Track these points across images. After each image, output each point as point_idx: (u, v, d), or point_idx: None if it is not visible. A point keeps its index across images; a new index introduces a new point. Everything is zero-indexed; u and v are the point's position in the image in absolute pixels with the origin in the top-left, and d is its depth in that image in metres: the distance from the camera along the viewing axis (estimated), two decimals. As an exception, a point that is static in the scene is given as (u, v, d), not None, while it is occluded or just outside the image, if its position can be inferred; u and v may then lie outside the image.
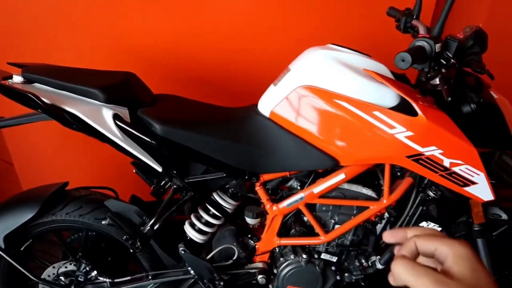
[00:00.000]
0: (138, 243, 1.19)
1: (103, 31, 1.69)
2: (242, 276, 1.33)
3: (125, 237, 1.19)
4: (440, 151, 1.10)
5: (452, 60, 1.02)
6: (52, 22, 1.67)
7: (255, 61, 1.87)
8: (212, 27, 1.76)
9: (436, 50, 0.97)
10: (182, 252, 1.28)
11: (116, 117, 1.10)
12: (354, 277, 1.36)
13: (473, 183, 1.14)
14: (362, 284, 1.39)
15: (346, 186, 1.27)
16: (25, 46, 1.69)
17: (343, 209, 1.30)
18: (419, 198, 1.25)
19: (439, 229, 1.26)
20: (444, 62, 1.03)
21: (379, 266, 1.33)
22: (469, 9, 2.01)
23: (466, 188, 1.15)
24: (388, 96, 1.10)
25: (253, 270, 1.32)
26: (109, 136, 1.09)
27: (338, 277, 1.34)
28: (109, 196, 1.33)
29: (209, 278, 1.27)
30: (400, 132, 1.09)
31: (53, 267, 1.32)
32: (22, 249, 1.29)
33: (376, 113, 1.09)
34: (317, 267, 1.30)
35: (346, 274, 1.37)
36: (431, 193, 1.23)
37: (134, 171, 1.31)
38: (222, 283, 1.28)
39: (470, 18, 2.06)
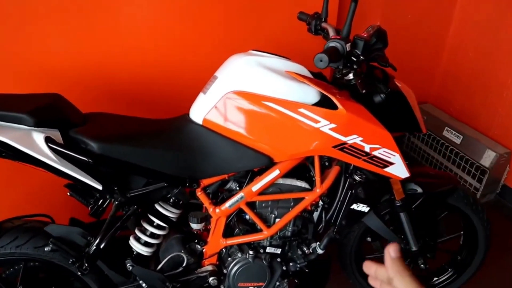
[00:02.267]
0: (86, 265, 1.17)
1: (23, 54, 1.61)
2: (194, 281, 1.36)
3: (71, 260, 1.16)
4: (361, 138, 1.23)
5: (361, 57, 1.15)
6: None
7: (180, 71, 1.91)
8: (135, 42, 1.77)
9: (347, 49, 1.09)
10: (130, 268, 1.28)
11: (48, 139, 1.08)
12: (298, 265, 1.46)
13: (391, 163, 1.29)
14: (307, 270, 1.49)
15: (281, 181, 1.36)
16: None
17: (281, 203, 1.39)
18: (347, 183, 1.38)
19: (367, 209, 1.40)
20: (355, 59, 1.16)
21: (319, 251, 1.44)
22: (366, 9, 2.25)
23: (386, 169, 1.30)
24: (310, 93, 1.21)
25: (204, 274, 1.36)
26: (43, 160, 1.06)
27: (284, 268, 1.43)
28: (46, 223, 1.29)
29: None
30: (325, 125, 1.20)
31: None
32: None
33: (302, 110, 1.19)
34: (264, 261, 1.37)
35: (291, 264, 1.46)
36: (357, 178, 1.36)
37: (68, 193, 1.27)
38: (177, 291, 1.30)
39: (368, 18, 2.30)
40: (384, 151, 1.27)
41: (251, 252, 1.35)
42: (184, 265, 1.34)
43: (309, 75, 1.26)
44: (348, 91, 1.28)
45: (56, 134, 1.13)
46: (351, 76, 1.24)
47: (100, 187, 1.15)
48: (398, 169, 1.31)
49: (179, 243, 1.35)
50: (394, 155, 1.28)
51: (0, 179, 1.73)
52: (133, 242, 1.32)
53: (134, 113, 1.38)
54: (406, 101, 1.33)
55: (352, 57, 1.16)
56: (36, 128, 1.09)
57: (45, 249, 1.18)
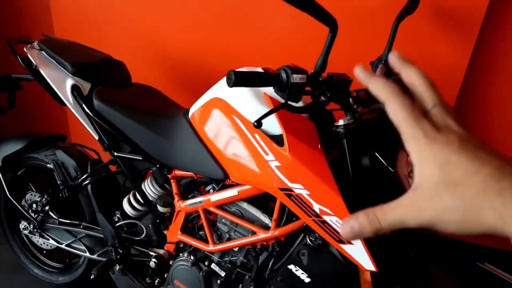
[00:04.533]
0: (66, 192, 1.45)
1: (138, 30, 2.02)
2: (140, 254, 1.46)
3: (59, 182, 1.46)
4: (307, 192, 1.04)
5: (323, 98, 0.97)
6: (105, 20, 2.08)
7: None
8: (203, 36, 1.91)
9: (293, 80, 0.94)
10: (100, 217, 1.48)
11: (74, 87, 1.39)
12: None
13: (349, 242, 1.04)
14: None
15: (245, 206, 1.28)
16: (83, 32, 2.13)
17: (239, 228, 1.30)
18: (299, 239, 1.18)
19: (308, 279, 1.16)
20: (322, 98, 0.99)
21: None
22: None
23: (343, 246, 1.05)
24: (275, 122, 1.10)
25: (152, 253, 1.43)
26: (63, 99, 1.38)
27: (223, 293, 1.35)
28: (85, 155, 1.63)
29: (111, 243, 1.45)
30: (271, 160, 1.08)
31: (30, 194, 1.68)
32: (18, 174, 1.69)
33: (256, 135, 1.10)
34: (200, 273, 1.33)
35: (236, 297, 1.36)
36: (308, 240, 1.15)
37: None
38: (120, 251, 1.44)
39: None
40: (336, 221, 1.03)
41: (192, 257, 1.34)
42: (141, 236, 1.45)
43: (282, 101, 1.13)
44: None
45: (86, 86, 1.42)
46: (341, 121, 1.06)
47: (96, 137, 1.39)
48: (359, 255, 1.04)
49: (150, 218, 1.47)
50: (351, 233, 1.02)
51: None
52: (124, 201, 1.51)
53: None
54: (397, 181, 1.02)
55: (319, 95, 0.99)
56: (72, 76, 1.41)
57: (48, 166, 1.51)
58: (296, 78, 0.94)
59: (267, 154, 1.08)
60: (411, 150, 0.38)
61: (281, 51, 1.80)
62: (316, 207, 1.04)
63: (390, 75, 1.28)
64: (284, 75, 0.93)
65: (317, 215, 1.04)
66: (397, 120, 0.39)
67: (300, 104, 1.13)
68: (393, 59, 0.44)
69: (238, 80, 0.90)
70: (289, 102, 0.96)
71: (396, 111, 0.39)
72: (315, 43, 1.23)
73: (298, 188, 1.05)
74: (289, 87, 0.94)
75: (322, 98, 0.98)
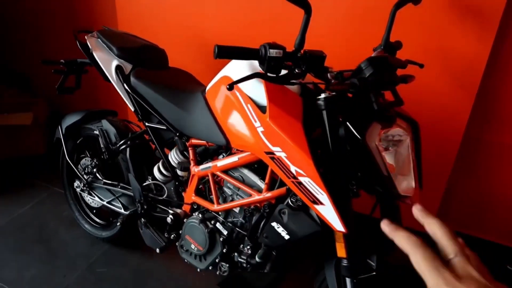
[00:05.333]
0: (106, 155, 1.74)
1: (185, 25, 2.30)
2: (161, 212, 1.69)
3: (101, 146, 1.75)
4: (285, 154, 1.18)
5: (297, 70, 1.12)
6: (160, 15, 2.38)
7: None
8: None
9: (270, 55, 1.09)
10: (131, 177, 1.74)
11: (118, 67, 1.67)
12: (239, 259, 1.50)
13: (320, 202, 1.16)
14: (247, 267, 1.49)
15: (246, 172, 1.45)
16: (142, 26, 2.44)
17: (241, 192, 1.47)
18: (286, 201, 1.31)
19: (287, 236, 1.28)
20: (297, 71, 1.13)
21: (256, 258, 1.44)
22: None
23: (316, 206, 1.17)
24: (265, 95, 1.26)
25: (171, 211, 1.66)
26: (108, 77, 1.67)
27: (224, 250, 1.52)
28: (128, 127, 1.92)
29: (138, 199, 1.70)
30: (258, 126, 1.24)
31: (85, 159, 2.01)
32: (77, 142, 2.03)
33: (249, 105, 1.27)
34: (206, 229, 1.52)
35: (235, 253, 1.52)
36: (290, 201, 1.28)
37: None
38: (145, 207, 1.69)
39: None
40: (309, 182, 1.16)
41: (200, 216, 1.54)
42: (164, 196, 1.69)
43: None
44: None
45: (128, 66, 1.70)
46: (322, 95, 1.19)
47: (132, 109, 1.66)
48: (330, 215, 1.15)
49: (173, 182, 1.70)
50: (322, 194, 1.14)
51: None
52: (155, 168, 1.77)
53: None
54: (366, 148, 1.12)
55: (294, 68, 1.13)
56: (117, 58, 1.69)
57: (94, 132, 1.81)
58: (273, 52, 1.09)
59: (255, 121, 1.24)
60: None
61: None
62: (293, 169, 1.17)
63: (392, 53, 1.37)
64: (263, 50, 1.09)
65: (294, 177, 1.17)
66: (421, 270, 0.42)
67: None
68: (416, 212, 0.49)
69: (221, 53, 1.08)
70: (269, 75, 1.11)
71: (419, 263, 0.42)
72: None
73: (278, 151, 1.19)
74: (267, 60, 1.10)
75: (297, 70, 1.12)
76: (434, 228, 0.46)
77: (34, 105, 2.81)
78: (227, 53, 1.08)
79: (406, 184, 1.19)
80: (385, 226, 0.49)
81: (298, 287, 1.87)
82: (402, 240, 0.46)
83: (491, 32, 1.65)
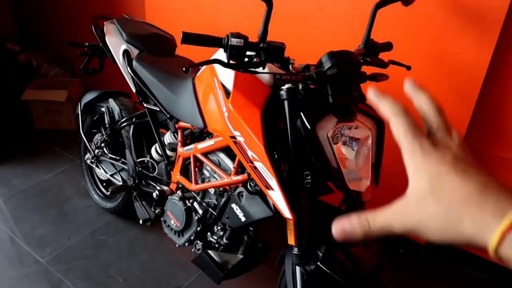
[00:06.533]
0: (109, 130, 1.90)
1: (203, 17, 2.40)
2: (148, 186, 1.82)
3: (106, 122, 1.92)
4: (243, 139, 1.25)
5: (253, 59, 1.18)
6: (182, 7, 2.50)
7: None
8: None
9: (231, 43, 1.16)
10: (126, 152, 1.88)
11: (125, 52, 1.82)
12: (211, 239, 1.59)
13: (271, 187, 1.22)
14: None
15: (222, 156, 1.53)
16: (167, 17, 2.59)
17: (216, 175, 1.55)
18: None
19: (243, 218, 1.34)
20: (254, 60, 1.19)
21: (224, 240, 1.52)
22: None
23: (269, 192, 1.23)
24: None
25: (158, 188, 1.78)
26: (116, 60, 1.82)
27: (199, 228, 1.61)
28: (136, 108, 2.06)
29: (131, 173, 1.84)
30: (224, 111, 1.31)
31: (98, 135, 2.19)
32: (94, 119, 2.22)
33: (220, 91, 1.35)
34: (183, 207, 1.62)
35: (209, 233, 1.61)
36: (249, 184, 1.34)
37: None
38: (137, 181, 1.82)
39: None
40: (262, 167, 1.22)
41: (179, 193, 1.64)
42: (154, 173, 1.81)
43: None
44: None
45: (135, 52, 1.84)
46: (286, 86, 1.24)
47: (134, 90, 1.81)
48: (279, 201, 1.21)
49: (164, 161, 1.82)
50: (271, 179, 1.20)
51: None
52: (153, 148, 1.90)
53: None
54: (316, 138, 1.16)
55: (254, 57, 1.20)
56: (126, 43, 1.84)
57: (101, 109, 1.98)
58: (234, 41, 1.17)
59: (223, 106, 1.32)
60: (408, 165, 0.40)
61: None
62: (250, 153, 1.24)
63: (374, 53, 1.38)
64: (225, 39, 1.17)
65: (251, 161, 1.24)
66: (398, 136, 0.41)
67: (266, 70, 1.34)
68: (407, 85, 0.46)
69: (186, 39, 1.17)
70: (231, 62, 1.19)
71: (398, 128, 0.41)
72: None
73: (238, 136, 1.26)
74: (229, 48, 1.17)
75: (255, 59, 1.19)
76: (421, 101, 0.44)
77: (70, 84, 3.08)
78: (192, 40, 1.17)
79: (359, 179, 1.21)
80: (371, 92, 0.45)
81: (268, 275, 1.92)
82: (386, 107, 0.43)
83: (491, 40, 1.60)
